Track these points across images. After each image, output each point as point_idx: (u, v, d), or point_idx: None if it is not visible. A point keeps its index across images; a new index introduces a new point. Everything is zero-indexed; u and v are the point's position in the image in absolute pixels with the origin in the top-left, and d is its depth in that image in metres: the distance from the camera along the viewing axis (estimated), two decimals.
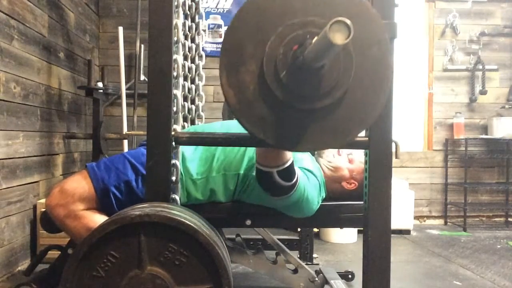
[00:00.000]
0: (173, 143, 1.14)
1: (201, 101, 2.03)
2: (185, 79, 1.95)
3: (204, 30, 2.11)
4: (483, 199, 4.07)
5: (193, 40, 2.00)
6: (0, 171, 2.16)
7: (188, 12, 1.92)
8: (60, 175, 2.91)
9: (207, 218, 1.12)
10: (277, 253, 1.82)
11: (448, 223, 4.02)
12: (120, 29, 3.43)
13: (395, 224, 1.79)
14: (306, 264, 2.06)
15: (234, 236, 1.92)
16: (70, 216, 1.35)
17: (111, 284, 0.92)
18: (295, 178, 1.29)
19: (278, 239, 2.07)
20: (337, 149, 1.65)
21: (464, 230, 3.74)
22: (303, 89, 0.93)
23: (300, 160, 1.49)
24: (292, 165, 1.25)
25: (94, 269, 0.92)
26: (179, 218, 0.94)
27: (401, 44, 3.86)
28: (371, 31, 0.96)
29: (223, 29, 3.80)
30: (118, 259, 0.93)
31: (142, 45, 3.55)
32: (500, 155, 4.00)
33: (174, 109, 1.21)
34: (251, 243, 2.30)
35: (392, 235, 1.15)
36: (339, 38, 0.74)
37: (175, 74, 1.23)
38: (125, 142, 3.33)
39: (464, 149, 3.85)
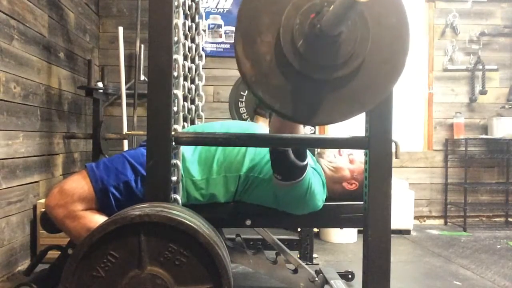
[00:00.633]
0: (173, 143, 1.14)
1: (201, 101, 2.03)
2: (185, 79, 1.95)
3: (204, 30, 2.12)
4: (483, 199, 4.06)
5: (193, 40, 2.00)
6: (0, 171, 2.16)
7: (188, 12, 1.92)
8: (60, 175, 2.91)
9: (207, 218, 1.12)
10: (277, 253, 1.82)
11: (448, 223, 4.02)
12: (120, 29, 3.43)
13: (395, 224, 1.79)
14: (306, 264, 2.06)
15: (234, 236, 1.92)
16: (69, 216, 1.35)
17: (111, 284, 0.92)
18: (306, 159, 1.31)
19: (278, 239, 2.07)
20: (337, 150, 1.65)
21: (464, 230, 3.74)
22: (320, 59, 0.92)
23: None
24: None
25: (94, 269, 0.92)
26: (179, 218, 0.94)
27: None
28: (390, 1, 0.95)
29: (223, 29, 3.80)
30: (118, 259, 0.93)
31: (142, 45, 3.54)
32: (500, 155, 4.00)
33: (175, 109, 1.21)
34: (251, 243, 2.30)
35: (392, 235, 1.15)
36: None
37: (175, 74, 1.23)
38: (125, 142, 3.33)
39: (464, 149, 3.85)
